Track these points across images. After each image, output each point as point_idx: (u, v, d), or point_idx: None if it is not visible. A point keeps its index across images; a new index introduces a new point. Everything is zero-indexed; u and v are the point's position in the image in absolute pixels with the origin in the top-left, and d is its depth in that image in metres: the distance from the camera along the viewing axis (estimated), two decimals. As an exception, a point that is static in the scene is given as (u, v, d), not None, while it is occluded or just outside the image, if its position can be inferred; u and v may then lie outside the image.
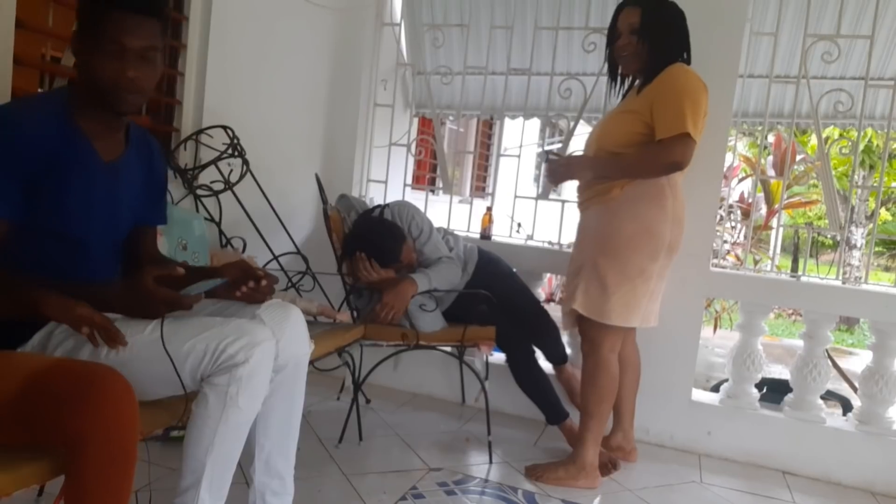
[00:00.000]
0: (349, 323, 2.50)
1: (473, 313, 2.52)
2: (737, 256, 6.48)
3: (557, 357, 2.76)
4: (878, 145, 8.51)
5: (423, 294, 2.43)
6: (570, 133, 3.14)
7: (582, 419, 2.32)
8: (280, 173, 2.96)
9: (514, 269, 2.88)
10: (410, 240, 2.52)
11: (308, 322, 2.33)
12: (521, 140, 3.31)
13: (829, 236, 7.33)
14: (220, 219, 2.60)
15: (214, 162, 2.47)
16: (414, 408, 2.96)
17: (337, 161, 3.32)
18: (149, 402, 1.32)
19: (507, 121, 4.04)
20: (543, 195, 3.19)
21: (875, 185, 8.38)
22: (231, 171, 2.53)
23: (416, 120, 3.77)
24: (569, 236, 3.05)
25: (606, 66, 2.41)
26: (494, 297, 2.47)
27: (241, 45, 2.79)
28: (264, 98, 2.93)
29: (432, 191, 3.73)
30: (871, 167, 9.13)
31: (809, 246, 4.14)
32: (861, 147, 7.61)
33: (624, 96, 2.39)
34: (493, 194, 3.27)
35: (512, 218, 3.28)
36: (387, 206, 2.59)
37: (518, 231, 3.33)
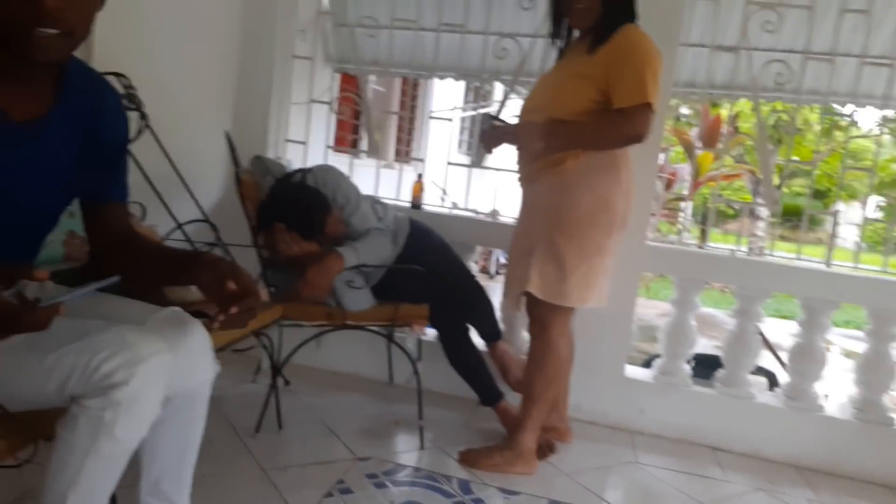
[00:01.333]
0: (266, 302, 2.25)
1: (404, 289, 2.33)
2: (658, 228, 6.63)
3: (492, 334, 2.62)
4: (785, 120, 8.87)
5: (350, 269, 2.21)
6: (506, 98, 2.96)
7: (525, 404, 2.19)
8: (184, 131, 2.63)
9: (448, 241, 2.71)
10: (336, 209, 2.28)
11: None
12: (454, 102, 3.10)
13: (759, 211, 7.63)
14: (115, 181, 2.26)
15: (106, 115, 2.13)
16: (338, 389, 2.75)
17: (250, 118, 3.00)
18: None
19: (431, 82, 3.83)
20: (477, 162, 3.00)
21: (795, 159, 8.72)
22: (126, 126, 2.19)
23: (337, 76, 3.50)
24: (503, 207, 2.91)
25: (551, 16, 2.18)
26: (427, 271, 2.29)
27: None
28: (166, 44, 2.56)
29: (356, 154, 3.46)
30: (779, 141, 9.52)
31: (714, 217, 4.18)
32: (771, 121, 7.90)
33: (561, 53, 2.21)
34: (423, 160, 3.05)
35: (443, 189, 3.10)
36: (309, 170, 2.33)
37: (443, 199, 3.16)
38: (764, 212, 9.82)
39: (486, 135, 2.23)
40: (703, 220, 11.55)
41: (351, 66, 3.41)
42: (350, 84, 5.57)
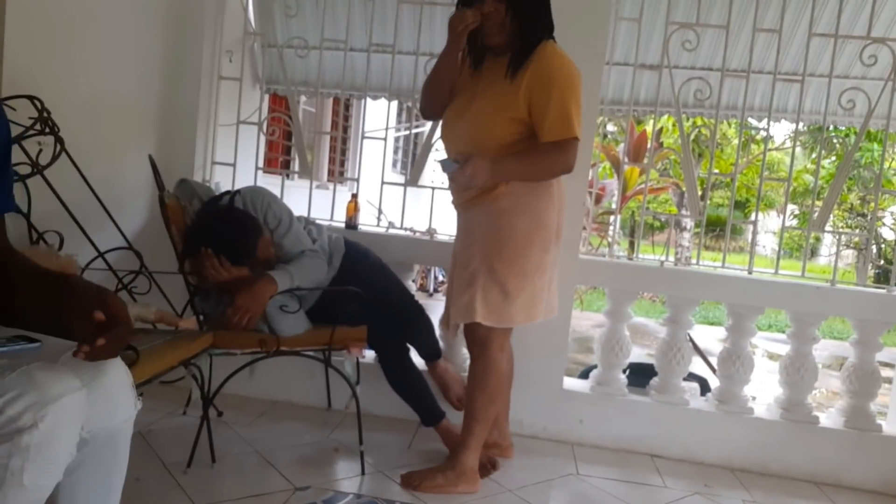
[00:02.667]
0: (195, 330, 2.16)
1: (341, 312, 2.28)
2: (589, 242, 6.82)
3: (432, 353, 2.60)
4: (705, 134, 9.26)
5: (283, 293, 2.16)
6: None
7: (466, 422, 2.18)
8: (105, 155, 2.53)
9: (385, 261, 2.68)
10: (267, 231, 2.23)
11: (145, 331, 1.98)
12: (386, 122, 3.10)
13: (685, 223, 7.92)
14: (29, 209, 2.14)
15: (18, 140, 2.01)
16: (273, 418, 2.67)
17: (176, 141, 2.90)
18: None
19: (364, 102, 3.81)
20: (412, 181, 3.00)
21: (716, 172, 9.27)
22: (41, 151, 2.08)
23: (266, 97, 3.43)
24: (439, 225, 2.90)
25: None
26: (364, 292, 2.25)
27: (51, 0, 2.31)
28: (83, 65, 2.46)
29: (287, 175, 3.40)
30: (700, 155, 9.94)
31: (642, 229, 4.31)
32: (692, 136, 8.28)
33: (475, 62, 2.13)
34: (357, 180, 3.02)
35: (378, 208, 3.07)
36: (237, 192, 2.27)
37: (379, 219, 3.13)
38: (689, 223, 10.23)
39: (455, 177, 2.05)
40: (632, 232, 11.93)
41: (280, 87, 3.37)
42: (279, 105, 5.49)
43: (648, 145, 5.48)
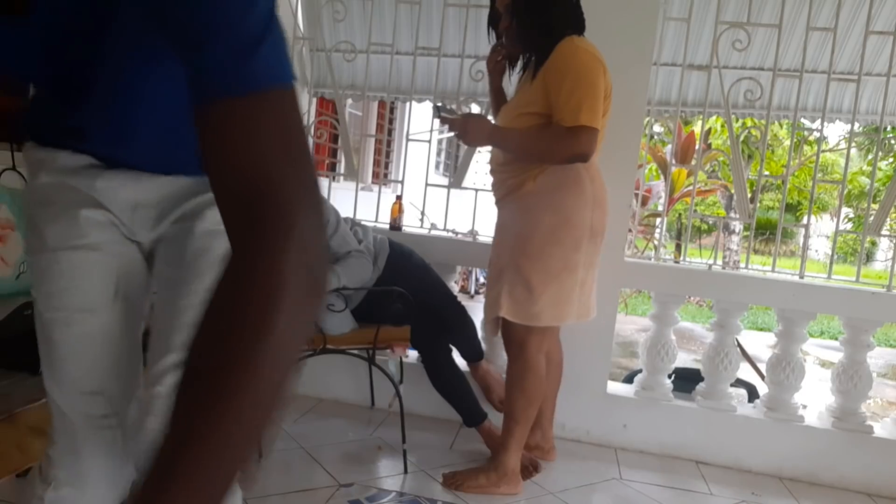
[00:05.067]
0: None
1: (386, 312, 2.32)
2: (634, 244, 6.74)
3: (474, 354, 2.62)
4: (756, 135, 9.03)
5: (330, 293, 2.20)
6: (487, 115, 2.98)
7: (506, 424, 2.19)
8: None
9: (428, 262, 2.71)
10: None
11: None
12: (430, 125, 3.12)
13: (733, 226, 7.77)
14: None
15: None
16: (318, 415, 2.72)
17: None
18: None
19: (408, 105, 3.86)
20: (456, 184, 3.02)
21: (766, 174, 8.96)
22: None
23: (314, 100, 3.50)
24: (482, 226, 2.92)
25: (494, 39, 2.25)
26: (409, 292, 2.28)
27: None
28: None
29: (333, 177, 3.46)
30: (750, 156, 9.72)
31: (689, 232, 4.24)
32: (742, 137, 8.09)
33: (523, 70, 2.23)
34: (402, 182, 3.06)
35: (422, 210, 3.11)
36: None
37: (422, 221, 3.16)
38: (737, 226, 10.00)
39: (448, 126, 2.24)
40: (679, 235, 11.71)
41: (328, 91, 3.42)
42: (326, 108, 5.58)
43: (696, 146, 5.37)
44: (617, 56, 2.40)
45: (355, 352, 2.30)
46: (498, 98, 2.33)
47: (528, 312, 2.08)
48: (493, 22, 2.20)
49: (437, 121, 2.32)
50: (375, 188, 3.39)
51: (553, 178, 2.06)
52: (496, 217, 2.26)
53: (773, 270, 2.71)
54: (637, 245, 6.87)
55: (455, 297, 2.68)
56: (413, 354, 2.71)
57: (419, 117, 5.83)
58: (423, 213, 3.19)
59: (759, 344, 7.02)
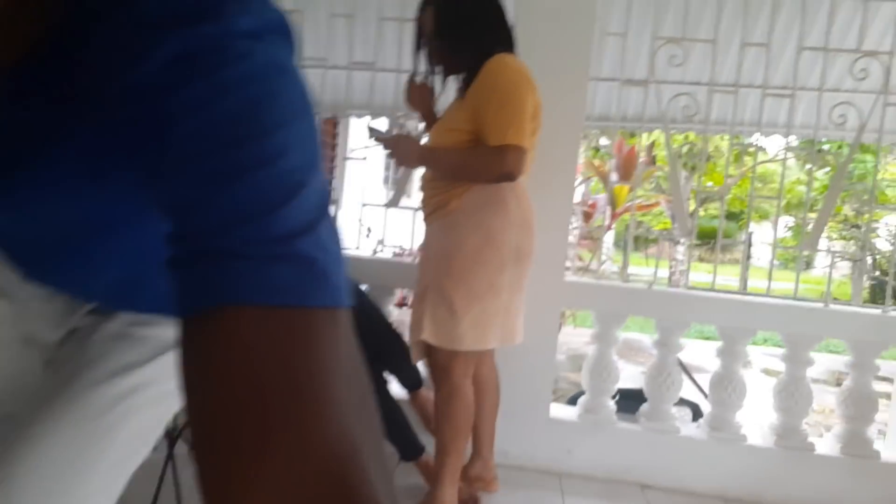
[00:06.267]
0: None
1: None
2: (579, 257, 6.72)
3: (413, 382, 2.50)
4: (697, 147, 9.25)
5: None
6: (421, 134, 2.89)
7: (437, 456, 2.08)
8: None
9: (363, 286, 2.59)
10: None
11: None
12: (368, 141, 3.02)
13: (678, 238, 7.88)
14: None
15: None
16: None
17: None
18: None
19: (353, 120, 3.75)
20: (393, 203, 2.91)
21: (709, 184, 9.24)
22: None
23: None
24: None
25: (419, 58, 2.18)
26: None
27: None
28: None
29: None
30: (693, 168, 9.92)
31: (629, 248, 4.25)
32: (684, 150, 8.22)
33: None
34: (337, 202, 2.94)
35: (368, 227, 2.99)
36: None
37: (368, 236, 3.05)
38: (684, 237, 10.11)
39: (384, 144, 2.19)
40: (625, 246, 11.81)
41: None
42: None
43: (636, 160, 5.43)
44: (553, 71, 2.36)
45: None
46: (429, 118, 2.24)
47: (451, 335, 1.99)
48: (419, 44, 2.12)
49: (372, 140, 2.26)
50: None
51: (478, 197, 1.99)
52: (424, 236, 2.17)
53: (712, 289, 2.69)
54: (582, 257, 6.88)
55: (389, 323, 2.57)
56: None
57: (358, 133, 5.75)
58: (368, 230, 3.07)
59: (705, 354, 7.10)
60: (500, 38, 2.03)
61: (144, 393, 0.74)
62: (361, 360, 0.42)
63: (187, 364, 0.38)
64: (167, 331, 0.76)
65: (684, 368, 3.09)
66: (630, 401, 2.80)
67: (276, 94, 0.42)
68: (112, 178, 0.47)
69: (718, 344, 2.63)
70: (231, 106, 0.40)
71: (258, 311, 0.37)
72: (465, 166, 1.99)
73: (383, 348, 2.41)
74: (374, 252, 3.03)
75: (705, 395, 3.04)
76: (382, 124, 2.47)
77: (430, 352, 2.08)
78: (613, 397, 2.68)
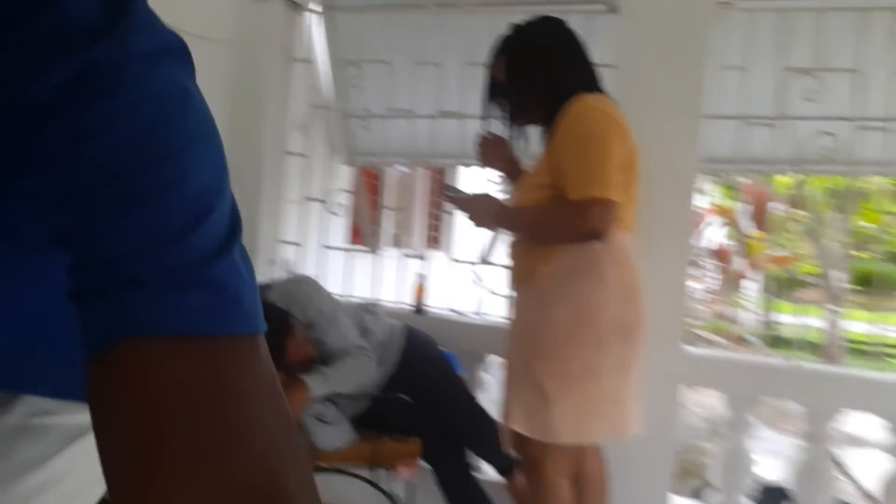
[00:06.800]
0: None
1: (394, 419, 1.98)
2: (714, 311, 6.04)
3: (506, 466, 2.19)
4: (846, 186, 8.18)
5: (319, 402, 1.87)
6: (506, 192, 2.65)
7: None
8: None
9: (450, 352, 2.35)
10: (302, 329, 1.96)
11: None
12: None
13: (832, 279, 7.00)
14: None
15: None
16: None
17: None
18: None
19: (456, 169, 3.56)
20: (482, 258, 2.67)
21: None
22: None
23: (349, 169, 3.22)
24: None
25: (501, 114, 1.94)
26: (421, 394, 1.94)
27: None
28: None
29: (369, 250, 3.16)
30: (843, 209, 8.85)
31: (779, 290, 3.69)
32: (833, 190, 7.33)
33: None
34: (422, 257, 2.74)
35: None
36: (269, 286, 2.04)
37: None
38: (838, 283, 8.99)
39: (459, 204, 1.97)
40: (773, 291, 10.66)
41: (366, 158, 3.13)
42: (371, 177, 5.40)
43: (769, 208, 4.81)
44: (659, 111, 2.06)
45: (355, 471, 1.95)
46: (512, 174, 2.01)
47: (544, 425, 1.69)
48: (492, 95, 1.91)
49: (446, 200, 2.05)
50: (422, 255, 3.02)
51: (568, 262, 1.71)
52: (512, 305, 1.92)
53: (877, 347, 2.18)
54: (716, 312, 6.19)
55: (474, 399, 2.29)
56: (427, 468, 2.32)
57: (469, 180, 5.58)
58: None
59: (872, 424, 6.13)
60: (582, 78, 1.80)
61: (56, 489, 0.68)
62: (279, 387, 0.41)
63: (95, 405, 0.38)
64: (76, 417, 0.68)
65: (843, 467, 2.54)
66: (773, 498, 2.32)
67: (178, 116, 0.41)
68: (3, 208, 0.42)
69: (889, 440, 2.10)
70: (132, 128, 0.39)
71: (166, 343, 0.37)
72: (545, 225, 1.76)
73: (468, 428, 2.14)
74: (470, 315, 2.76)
75: (871, 500, 2.48)
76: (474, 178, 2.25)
77: (519, 441, 1.79)
78: (753, 495, 2.21)
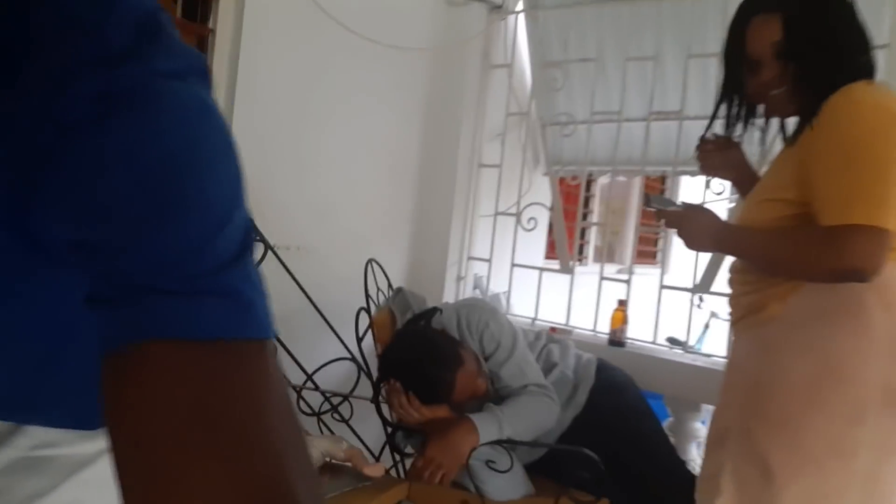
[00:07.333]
0: (388, 477, 1.77)
1: (574, 473, 1.68)
2: None
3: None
4: None
5: (490, 446, 1.64)
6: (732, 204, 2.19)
7: None
8: (341, 256, 2.33)
9: (656, 395, 1.99)
10: (473, 362, 1.73)
11: (333, 469, 1.69)
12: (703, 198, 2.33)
13: None
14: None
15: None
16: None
17: (430, 236, 2.67)
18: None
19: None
20: (702, 288, 2.24)
21: None
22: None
23: (547, 180, 2.97)
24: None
25: (728, 110, 1.46)
26: (612, 445, 1.64)
27: (278, 106, 2.11)
28: (322, 168, 2.31)
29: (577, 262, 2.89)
30: None
31: None
32: None
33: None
34: (626, 280, 2.38)
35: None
36: (440, 310, 1.84)
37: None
38: None
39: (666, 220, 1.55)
40: None
41: (569, 168, 2.85)
42: (575, 188, 5.05)
43: None
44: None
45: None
46: (743, 183, 1.58)
47: None
48: (740, 72, 1.41)
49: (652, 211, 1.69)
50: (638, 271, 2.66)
51: (814, 302, 1.29)
52: (731, 349, 1.52)
53: None
54: None
55: (674, 453, 1.89)
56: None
57: (691, 189, 4.96)
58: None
59: None
60: (860, 63, 1.32)
61: None
62: (289, 396, 0.42)
63: (111, 402, 0.39)
64: (79, 447, 0.67)
65: None
66: None
67: (202, 132, 0.42)
68: (22, 222, 0.42)
69: None
70: (156, 143, 0.40)
71: (186, 344, 0.38)
72: (782, 255, 1.33)
73: (663, 491, 1.76)
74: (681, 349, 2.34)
75: None
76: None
77: None
78: None
